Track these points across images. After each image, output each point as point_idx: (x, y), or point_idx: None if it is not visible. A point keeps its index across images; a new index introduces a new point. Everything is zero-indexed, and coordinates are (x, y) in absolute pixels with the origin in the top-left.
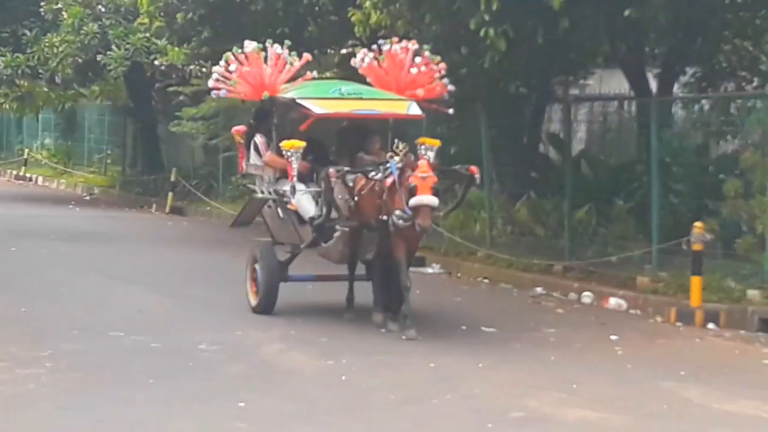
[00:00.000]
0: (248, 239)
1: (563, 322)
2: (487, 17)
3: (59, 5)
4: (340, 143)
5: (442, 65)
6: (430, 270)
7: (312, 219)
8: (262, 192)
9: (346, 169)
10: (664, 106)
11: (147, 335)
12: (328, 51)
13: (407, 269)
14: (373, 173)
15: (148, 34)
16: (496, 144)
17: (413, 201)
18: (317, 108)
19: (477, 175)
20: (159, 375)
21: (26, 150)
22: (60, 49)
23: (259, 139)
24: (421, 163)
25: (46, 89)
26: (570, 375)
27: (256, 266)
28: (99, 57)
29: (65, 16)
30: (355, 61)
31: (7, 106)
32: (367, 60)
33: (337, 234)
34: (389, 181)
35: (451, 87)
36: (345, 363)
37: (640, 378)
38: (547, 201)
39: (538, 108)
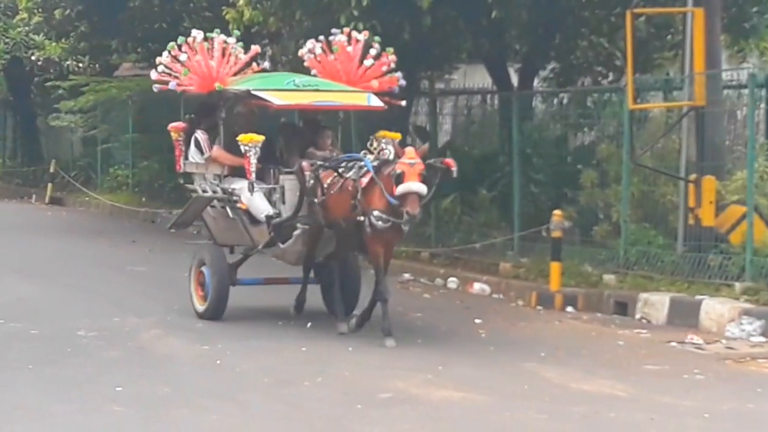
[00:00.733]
0: (124, 227)
1: (430, 307)
2: (356, 13)
3: None
4: (288, 138)
5: (392, 57)
6: None
7: (270, 218)
8: (205, 191)
9: (320, 163)
10: (525, 100)
11: (26, 322)
12: None
13: (384, 274)
14: (344, 170)
15: (27, 29)
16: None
17: (401, 188)
18: (276, 99)
19: (454, 168)
20: (38, 361)
21: None
22: None
23: (200, 135)
24: (408, 149)
25: None
26: (436, 357)
27: (204, 270)
28: None
29: None
30: (302, 53)
31: None
32: (318, 50)
33: (297, 233)
34: (365, 180)
35: (402, 81)
36: (220, 348)
37: (502, 359)
38: None
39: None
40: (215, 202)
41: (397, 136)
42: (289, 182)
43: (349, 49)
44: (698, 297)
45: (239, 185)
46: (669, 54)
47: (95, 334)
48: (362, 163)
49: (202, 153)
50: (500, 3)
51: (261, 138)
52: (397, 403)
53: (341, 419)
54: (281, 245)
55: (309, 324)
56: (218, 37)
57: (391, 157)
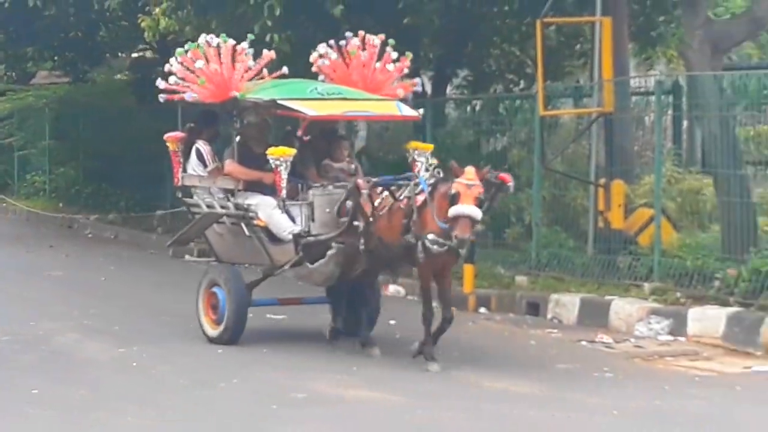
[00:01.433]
0: (41, 232)
1: None
2: (269, 23)
3: None
4: (303, 149)
5: (407, 62)
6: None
7: (299, 236)
8: (210, 206)
9: (374, 180)
10: (438, 107)
11: None
12: (120, 55)
13: (431, 302)
14: (399, 189)
15: None
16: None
17: (453, 210)
18: (309, 110)
19: (510, 183)
20: None
21: None
22: None
23: (203, 146)
24: (469, 169)
25: None
26: (350, 358)
27: (217, 291)
28: None
29: None
30: (314, 58)
31: None
32: (333, 56)
33: (331, 252)
34: (420, 199)
35: (419, 87)
36: (136, 350)
37: (416, 360)
38: None
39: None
40: (224, 217)
41: (429, 147)
42: (319, 198)
43: (363, 53)
44: (608, 297)
45: (256, 200)
46: (579, 62)
47: (10, 339)
48: (417, 181)
49: (205, 165)
50: (412, 10)
51: (293, 151)
52: (311, 403)
53: (256, 420)
54: (309, 265)
55: None
56: (228, 42)
57: (424, 170)
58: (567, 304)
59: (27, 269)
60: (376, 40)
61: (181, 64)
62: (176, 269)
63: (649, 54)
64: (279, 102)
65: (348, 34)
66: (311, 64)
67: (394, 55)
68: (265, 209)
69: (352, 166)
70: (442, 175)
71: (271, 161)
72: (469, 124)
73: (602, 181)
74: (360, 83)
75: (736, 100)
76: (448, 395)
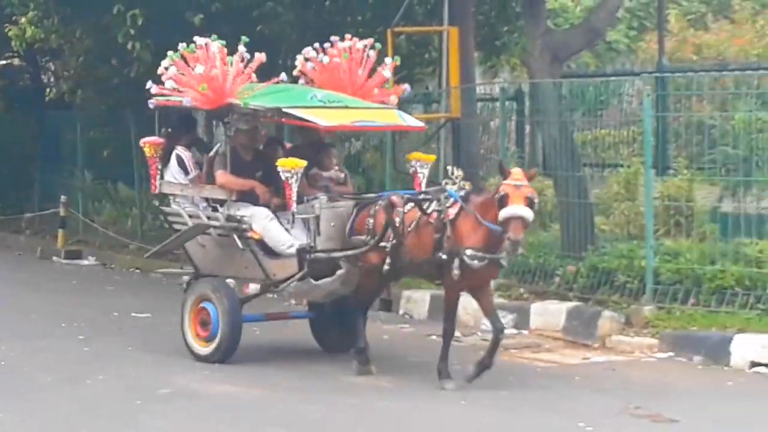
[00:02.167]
0: None
1: None
2: (132, 32)
3: None
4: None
5: (393, 62)
6: (86, 262)
7: (305, 251)
8: (193, 216)
9: (407, 195)
10: None
11: None
12: None
13: (455, 317)
14: (427, 203)
15: None
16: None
17: (504, 212)
18: (321, 120)
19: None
20: None
21: None
22: None
23: (183, 152)
24: (515, 170)
25: None
26: None
27: (208, 307)
28: None
29: None
30: (301, 61)
31: None
32: (324, 59)
33: (341, 272)
34: (452, 212)
35: (408, 90)
36: (4, 349)
37: (277, 355)
38: None
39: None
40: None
41: (432, 158)
42: (326, 211)
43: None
44: None
45: (249, 212)
46: (428, 69)
47: None
48: (446, 193)
49: (186, 173)
50: (267, 20)
51: (304, 163)
52: (176, 397)
53: (123, 415)
54: (313, 282)
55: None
56: (215, 44)
57: (450, 182)
58: (418, 300)
59: None
60: (359, 44)
61: (178, 69)
62: (44, 270)
63: (494, 62)
64: (284, 110)
65: (334, 38)
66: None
67: (388, 60)
68: (260, 221)
69: (342, 175)
70: (468, 187)
71: (281, 173)
72: None
73: None
74: (349, 89)
75: (575, 106)
76: (308, 389)
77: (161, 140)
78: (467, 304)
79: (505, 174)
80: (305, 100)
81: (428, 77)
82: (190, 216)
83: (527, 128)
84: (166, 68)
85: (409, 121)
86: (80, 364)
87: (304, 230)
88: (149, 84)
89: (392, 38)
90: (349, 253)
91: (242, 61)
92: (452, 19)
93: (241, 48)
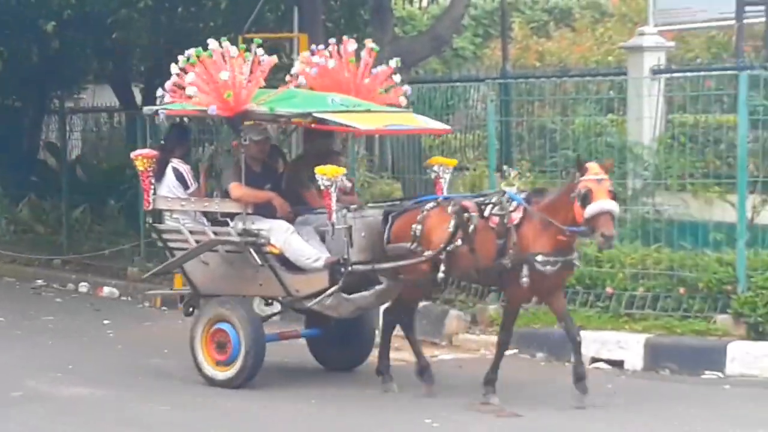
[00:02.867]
0: None
1: (61, 310)
2: None
3: None
4: (298, 167)
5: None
6: None
7: (338, 264)
8: (196, 232)
9: (480, 199)
10: (151, 117)
11: None
12: None
13: (513, 327)
14: (487, 207)
15: None
16: None
17: (591, 208)
18: (357, 124)
19: None
20: None
21: None
22: None
23: (180, 165)
24: (591, 165)
25: None
26: (66, 356)
27: (226, 328)
28: None
29: None
30: (305, 59)
31: None
32: (332, 63)
33: (381, 287)
34: (516, 216)
35: (409, 92)
36: None
37: (128, 357)
38: (47, 202)
39: (35, 119)
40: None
41: (453, 162)
42: (359, 221)
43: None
44: None
45: (267, 225)
46: (280, 75)
47: None
48: (505, 196)
49: (186, 186)
50: (121, 26)
51: (343, 170)
52: (26, 400)
53: None
54: (345, 296)
55: None
56: (233, 48)
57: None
58: None
59: None
60: (352, 45)
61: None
62: None
63: None
64: (315, 115)
65: (332, 39)
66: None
67: (393, 63)
68: (280, 234)
69: (349, 185)
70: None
71: (320, 181)
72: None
73: None
74: (353, 91)
75: (422, 111)
76: (159, 389)
77: (154, 153)
78: None
79: (582, 170)
80: (327, 105)
81: (281, 83)
82: (192, 233)
83: None
84: (178, 74)
85: (432, 123)
86: None
87: (321, 242)
88: (160, 91)
89: (243, 44)
90: (402, 263)
91: (259, 64)
92: (302, 25)
93: (260, 51)
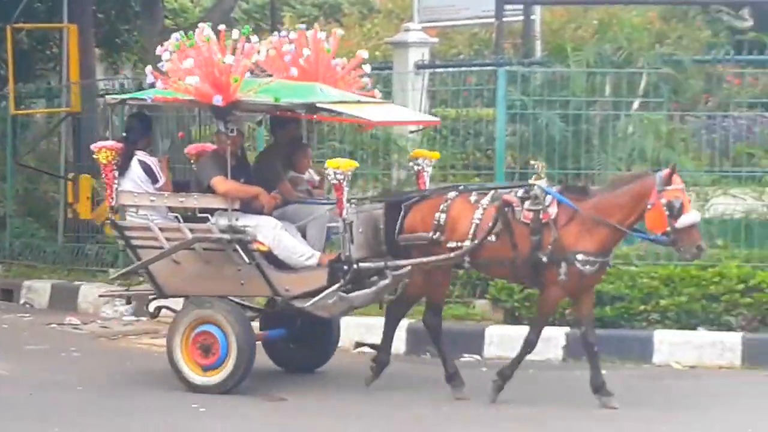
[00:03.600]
0: None
1: None
2: None
3: None
4: (272, 159)
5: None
6: None
7: (351, 262)
8: (163, 230)
9: (520, 193)
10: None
11: None
12: None
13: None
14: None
15: None
16: None
17: (686, 220)
18: (368, 116)
19: None
20: None
21: None
22: None
23: (148, 158)
24: (676, 175)
25: None
26: None
27: (212, 330)
28: None
29: None
30: (275, 43)
31: None
32: (307, 53)
33: (386, 282)
34: (552, 212)
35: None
36: None
37: None
38: None
39: None
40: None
41: (436, 155)
42: (361, 215)
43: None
44: (77, 282)
45: (253, 222)
46: (50, 65)
47: None
48: (534, 190)
49: (155, 180)
50: None
51: (356, 164)
52: None
53: None
54: (345, 295)
55: None
56: (235, 31)
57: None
58: (39, 289)
59: None
60: (321, 33)
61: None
62: None
63: (115, 59)
64: (319, 106)
65: (301, 26)
66: None
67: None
68: (269, 231)
69: (316, 177)
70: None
71: (332, 175)
72: None
73: (71, 175)
74: (323, 81)
75: None
76: None
77: (118, 145)
78: (87, 293)
79: (670, 179)
80: (318, 95)
81: (50, 73)
82: (162, 230)
83: None
84: (170, 59)
85: (419, 116)
86: None
87: (303, 238)
88: (150, 76)
89: (12, 34)
90: (433, 259)
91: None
92: (72, 16)
93: (254, 38)
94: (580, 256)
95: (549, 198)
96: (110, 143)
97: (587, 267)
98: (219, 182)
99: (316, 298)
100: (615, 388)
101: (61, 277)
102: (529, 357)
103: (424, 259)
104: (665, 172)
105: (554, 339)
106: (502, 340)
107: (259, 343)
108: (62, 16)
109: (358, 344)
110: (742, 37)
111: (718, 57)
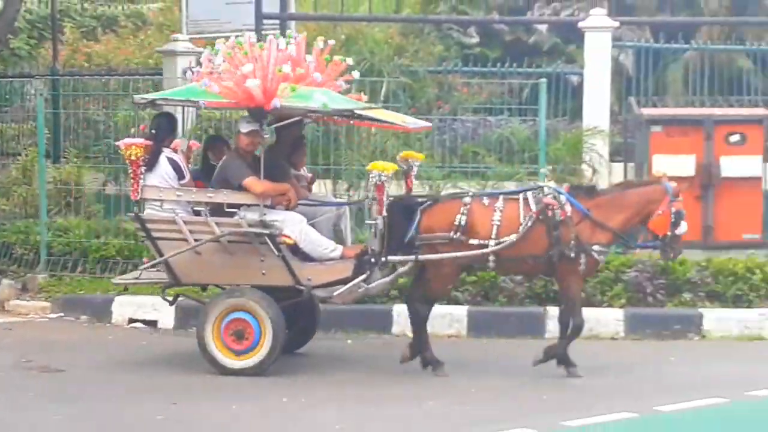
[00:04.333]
0: None
1: None
2: None
3: None
4: (275, 157)
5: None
6: None
7: (371, 255)
8: (187, 222)
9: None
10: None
11: None
12: None
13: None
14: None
15: None
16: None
17: (682, 230)
18: (402, 122)
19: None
20: None
21: None
22: None
23: (175, 156)
24: (675, 185)
25: None
26: None
27: (246, 317)
28: None
29: None
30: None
31: None
32: (309, 60)
33: (403, 269)
34: (568, 210)
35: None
36: None
37: None
38: None
39: None
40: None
41: (422, 156)
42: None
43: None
44: None
45: (281, 216)
46: None
47: None
48: (548, 190)
49: (182, 177)
50: None
51: (395, 167)
52: None
53: None
54: (365, 285)
55: None
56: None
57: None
58: None
59: None
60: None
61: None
62: None
63: None
64: (357, 113)
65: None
66: None
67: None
68: (296, 225)
69: (309, 175)
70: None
71: (376, 177)
72: None
73: None
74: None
75: None
76: None
77: (148, 142)
78: None
79: (676, 192)
80: (343, 101)
81: None
82: (187, 223)
83: None
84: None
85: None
86: None
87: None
88: (203, 82)
89: None
90: (466, 254)
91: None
92: None
93: (292, 46)
94: (596, 248)
95: (563, 198)
96: (140, 141)
97: (602, 257)
98: (254, 183)
99: (345, 288)
100: (358, 356)
101: None
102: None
103: (458, 254)
104: (676, 185)
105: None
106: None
107: None
108: None
109: (132, 320)
110: (470, 51)
111: (449, 68)
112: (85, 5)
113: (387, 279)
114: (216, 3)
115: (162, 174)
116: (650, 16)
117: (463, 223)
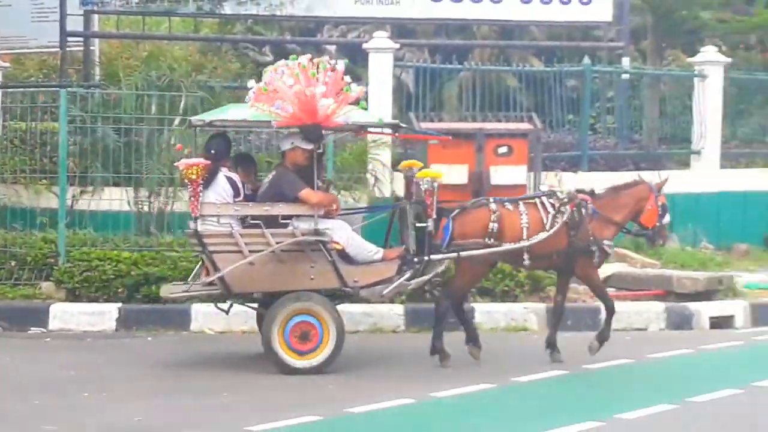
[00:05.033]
0: None
1: None
2: None
3: None
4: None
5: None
6: None
7: (423, 255)
8: (243, 236)
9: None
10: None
11: None
12: None
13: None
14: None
15: None
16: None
17: (667, 219)
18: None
19: None
20: None
21: None
22: None
23: (232, 174)
24: (657, 182)
25: None
26: None
27: (310, 320)
28: None
29: None
30: (275, 76)
31: None
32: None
33: (441, 269)
34: (590, 209)
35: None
36: None
37: None
38: None
39: None
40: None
41: (419, 165)
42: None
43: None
44: None
45: (330, 224)
46: None
47: None
48: (564, 197)
49: (238, 194)
50: None
51: (442, 174)
52: None
53: None
54: (407, 282)
55: None
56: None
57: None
58: None
59: None
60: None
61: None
62: None
63: None
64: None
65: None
66: None
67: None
68: (344, 232)
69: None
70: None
71: (424, 185)
72: None
73: None
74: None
75: None
76: None
77: (207, 162)
78: None
79: (659, 187)
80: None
81: None
82: (242, 236)
83: None
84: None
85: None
86: None
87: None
88: (277, 105)
89: None
90: (501, 249)
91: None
92: None
93: (340, 66)
94: (606, 242)
95: (582, 204)
96: (199, 161)
97: (611, 250)
98: (310, 194)
99: (393, 286)
100: (160, 352)
101: None
102: (87, 328)
103: (499, 249)
104: (658, 182)
105: (108, 312)
106: (64, 315)
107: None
108: None
109: None
110: (265, 68)
111: (243, 84)
112: None
113: (425, 277)
114: (22, 20)
115: (219, 191)
116: (428, 39)
117: (495, 229)
